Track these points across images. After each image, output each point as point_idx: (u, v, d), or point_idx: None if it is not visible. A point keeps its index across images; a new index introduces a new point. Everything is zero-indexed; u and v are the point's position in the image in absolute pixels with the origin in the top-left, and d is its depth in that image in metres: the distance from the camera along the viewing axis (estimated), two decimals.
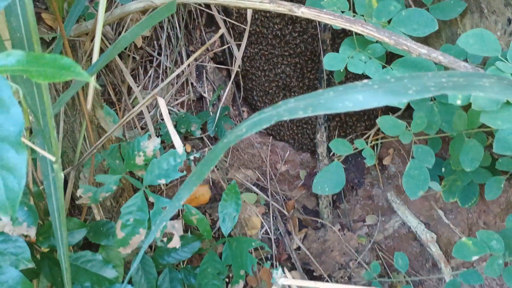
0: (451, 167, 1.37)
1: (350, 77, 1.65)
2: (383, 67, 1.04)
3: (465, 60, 1.11)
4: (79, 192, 0.99)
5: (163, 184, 1.64)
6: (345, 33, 1.67)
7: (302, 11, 0.97)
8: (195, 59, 1.93)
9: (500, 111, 0.80)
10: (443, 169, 1.56)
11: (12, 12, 0.66)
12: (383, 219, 1.93)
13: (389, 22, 1.11)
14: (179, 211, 1.18)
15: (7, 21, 0.66)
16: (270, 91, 1.90)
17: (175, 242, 0.98)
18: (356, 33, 1.10)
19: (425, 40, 1.41)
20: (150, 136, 1.01)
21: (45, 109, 0.68)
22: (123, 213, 0.97)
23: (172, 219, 1.04)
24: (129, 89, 1.78)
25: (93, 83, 0.47)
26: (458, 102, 0.84)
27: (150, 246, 1.35)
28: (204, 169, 0.62)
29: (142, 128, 1.70)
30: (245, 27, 1.73)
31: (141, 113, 1.80)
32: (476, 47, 0.89)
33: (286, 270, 0.91)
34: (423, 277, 1.79)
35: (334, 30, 1.64)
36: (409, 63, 1.00)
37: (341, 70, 1.06)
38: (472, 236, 1.88)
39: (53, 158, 0.63)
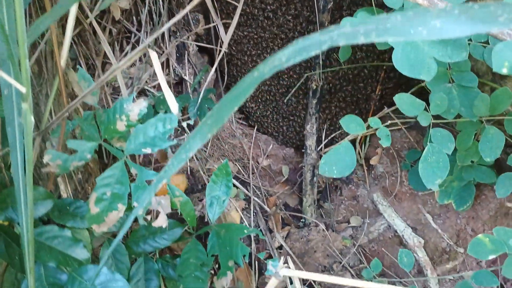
0: (451, 165, 1.28)
1: (359, 57, 1.53)
2: None
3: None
4: (45, 159, 0.82)
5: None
6: (343, 17, 1.56)
7: None
8: (176, 38, 1.78)
9: None
10: None
11: None
12: (368, 221, 1.82)
13: None
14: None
15: None
16: None
17: (161, 221, 0.83)
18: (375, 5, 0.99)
19: None
20: (135, 98, 0.85)
21: (18, 33, 0.52)
22: (98, 185, 0.81)
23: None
24: (103, 64, 1.61)
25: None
26: (504, 71, 0.73)
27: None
28: (222, 113, 0.47)
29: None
30: (236, 4, 1.60)
31: (114, 90, 1.63)
32: None
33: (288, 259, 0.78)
34: (408, 280, 1.69)
35: (334, 13, 1.53)
36: None
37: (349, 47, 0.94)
38: (460, 242, 1.80)
39: (23, 89, 0.48)
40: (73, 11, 0.94)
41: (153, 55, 0.77)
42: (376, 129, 1.12)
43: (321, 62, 1.51)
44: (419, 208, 1.81)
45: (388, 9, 0.99)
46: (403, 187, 1.84)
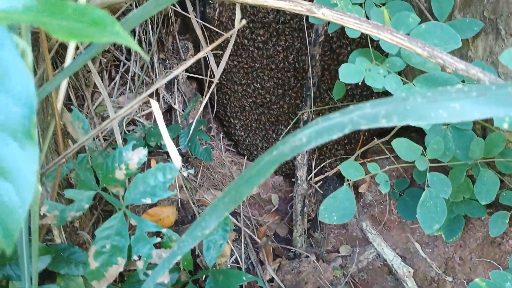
0: None
1: (349, 94, 1.54)
2: (404, 83, 0.93)
3: None
4: (43, 210, 0.80)
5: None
6: (332, 49, 1.57)
7: (323, 12, 0.85)
8: (165, 68, 1.77)
9: None
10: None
11: None
12: (357, 250, 1.83)
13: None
14: (157, 237, 1.00)
15: None
16: (246, 107, 1.76)
17: (164, 277, 0.81)
18: (371, 46, 1.00)
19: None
20: (135, 145, 0.84)
21: None
22: (97, 238, 0.79)
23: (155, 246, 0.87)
24: (93, 94, 1.59)
25: (137, 49, 0.32)
26: (505, 126, 0.74)
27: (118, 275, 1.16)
28: (243, 189, 0.47)
29: (104, 139, 1.51)
30: (224, 33, 1.59)
31: (104, 120, 1.61)
32: None
33: None
34: None
35: (324, 45, 1.54)
36: (435, 80, 0.90)
37: (343, 86, 0.95)
38: (449, 271, 1.81)
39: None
40: (71, 52, 0.93)
41: (155, 105, 0.76)
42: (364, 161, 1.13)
43: (312, 94, 1.52)
44: (408, 237, 1.82)
45: (383, 52, 1.00)
46: (392, 215, 1.85)
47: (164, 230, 0.93)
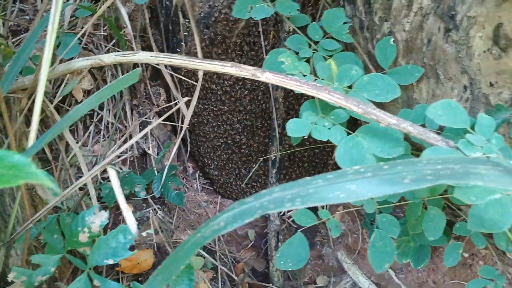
0: (405, 227, 1.35)
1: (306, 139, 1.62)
2: (348, 133, 1.00)
3: (423, 125, 1.10)
4: (10, 277, 0.86)
5: None
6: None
7: (266, 77, 0.92)
8: (140, 115, 1.83)
9: (473, 186, 0.78)
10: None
11: None
12: (334, 279, 1.88)
13: (350, 87, 1.08)
14: None
15: None
16: (218, 147, 1.83)
17: None
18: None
19: (380, 105, 1.40)
20: (96, 209, 0.90)
21: None
22: None
23: None
24: (67, 145, 1.65)
25: (50, 185, 0.38)
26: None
27: None
28: (172, 269, 0.53)
29: (80, 189, 1.56)
30: (193, 82, 1.67)
31: (79, 171, 1.66)
32: (444, 118, 0.87)
33: None
34: None
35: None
36: (375, 130, 0.97)
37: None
38: None
39: None
40: (37, 109, 0.99)
41: (112, 173, 0.82)
42: None
43: (277, 135, 1.59)
44: None
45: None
46: (366, 244, 1.91)
47: (130, 284, 0.98)
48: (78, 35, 1.26)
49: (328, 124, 1.00)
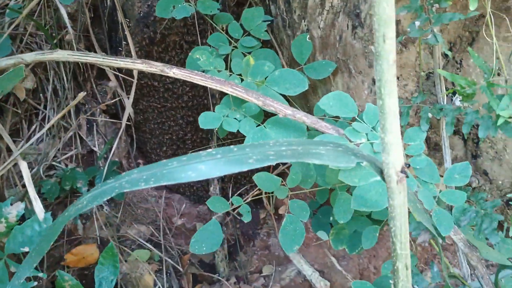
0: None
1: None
2: (258, 125, 1.06)
3: (337, 117, 1.17)
4: None
5: None
6: None
7: (174, 72, 0.98)
8: (84, 112, 1.87)
9: (356, 169, 0.85)
10: (331, 218, 1.61)
11: None
12: (279, 268, 1.95)
13: (264, 82, 1.15)
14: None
15: None
16: (164, 143, 1.88)
17: None
18: None
19: (304, 96, 1.47)
20: (13, 201, 0.94)
21: None
22: None
23: None
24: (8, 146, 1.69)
25: None
26: None
27: None
28: (44, 245, 0.58)
29: (23, 186, 1.60)
30: (134, 80, 1.72)
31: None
32: (334, 109, 0.94)
33: None
34: None
35: None
36: (282, 122, 1.03)
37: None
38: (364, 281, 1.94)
39: None
40: None
41: (23, 165, 0.87)
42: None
43: (215, 130, 1.65)
44: (325, 252, 1.95)
45: None
46: (310, 233, 1.98)
47: (56, 272, 1.03)
48: (5, 35, 1.30)
49: (239, 116, 1.07)
